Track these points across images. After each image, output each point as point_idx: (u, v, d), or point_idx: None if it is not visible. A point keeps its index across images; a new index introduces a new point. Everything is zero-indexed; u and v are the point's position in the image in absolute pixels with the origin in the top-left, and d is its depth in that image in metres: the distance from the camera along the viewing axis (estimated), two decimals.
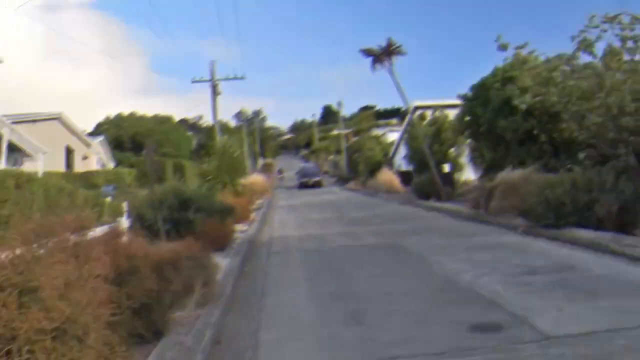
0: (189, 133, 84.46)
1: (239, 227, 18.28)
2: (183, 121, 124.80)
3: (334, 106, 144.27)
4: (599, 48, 17.05)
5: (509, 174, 17.15)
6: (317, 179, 57.19)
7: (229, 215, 14.31)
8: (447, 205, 22.54)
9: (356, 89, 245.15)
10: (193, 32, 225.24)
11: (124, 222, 11.30)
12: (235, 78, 38.64)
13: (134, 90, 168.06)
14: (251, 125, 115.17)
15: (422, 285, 8.45)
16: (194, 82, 37.15)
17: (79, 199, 14.50)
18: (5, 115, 28.65)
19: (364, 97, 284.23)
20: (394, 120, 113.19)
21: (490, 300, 7.15)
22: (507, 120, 22.13)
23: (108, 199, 18.65)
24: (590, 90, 17.07)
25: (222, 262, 10.96)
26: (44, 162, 29.04)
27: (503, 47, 23.82)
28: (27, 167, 27.74)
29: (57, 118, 34.57)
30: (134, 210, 12.41)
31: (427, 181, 27.62)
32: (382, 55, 25.33)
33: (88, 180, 28.64)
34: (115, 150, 52.59)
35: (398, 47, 25.27)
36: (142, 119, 67.59)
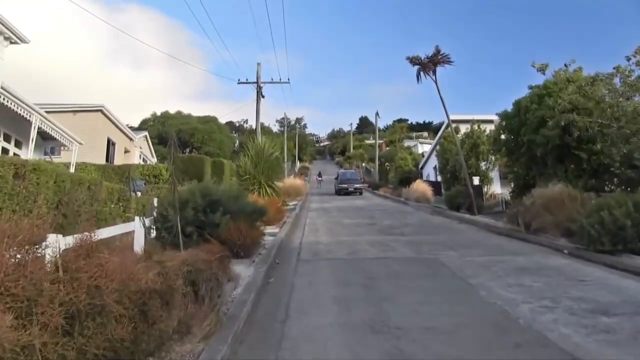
0: (233, 134, 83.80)
1: (270, 229, 16.71)
2: (230, 123, 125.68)
3: (370, 117, 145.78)
4: None
5: (552, 190, 15.22)
6: (357, 185, 50.39)
7: (259, 219, 12.58)
8: (480, 218, 20.62)
9: (390, 103, 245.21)
10: (248, 43, 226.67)
11: (144, 223, 9.63)
12: (280, 82, 37.12)
13: (190, 93, 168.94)
14: (292, 130, 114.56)
15: (473, 320, 6.51)
16: (239, 83, 35.71)
17: (102, 193, 12.93)
18: (42, 104, 27.39)
19: (397, 111, 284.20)
20: (425, 134, 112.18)
21: (569, 353, 5.29)
22: (543, 135, 20.44)
23: (138, 194, 17.13)
24: None
25: (245, 272, 9.27)
26: (80, 153, 27.80)
27: (541, 70, 22.25)
28: (63, 157, 26.59)
29: (98, 110, 33.12)
30: (158, 209, 10.79)
31: (459, 192, 25.65)
32: (429, 63, 23.41)
33: (124, 173, 27.27)
34: (159, 146, 51.53)
35: (445, 55, 23.29)
36: (187, 117, 66.43)
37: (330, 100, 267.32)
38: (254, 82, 34.49)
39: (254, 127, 44.74)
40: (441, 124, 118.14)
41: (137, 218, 9.52)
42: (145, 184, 18.34)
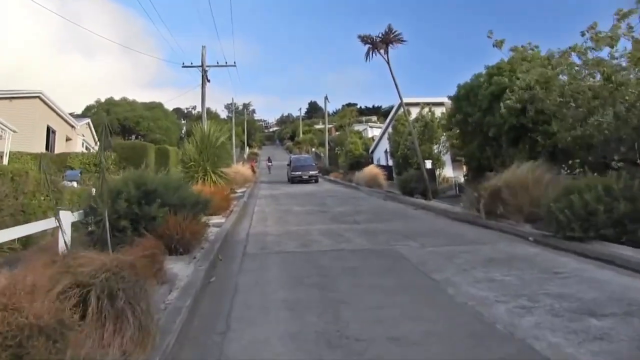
0: (180, 121, 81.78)
1: (216, 219, 15.65)
2: (177, 110, 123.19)
3: (319, 102, 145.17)
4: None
5: (514, 172, 14.49)
6: (312, 173, 44.43)
7: (203, 210, 11.46)
8: (435, 204, 19.89)
9: (340, 89, 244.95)
10: (197, 31, 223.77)
11: (70, 217, 8.44)
12: (225, 65, 35.74)
13: (143, 81, 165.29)
14: (240, 116, 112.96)
15: (444, 326, 5.59)
16: (184, 66, 34.25)
17: (28, 185, 11.64)
18: None
19: (346, 97, 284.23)
20: (374, 118, 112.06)
21: None
22: (495, 117, 19.88)
23: (73, 185, 15.82)
24: (604, 88, 14.72)
25: (184, 270, 8.19)
26: (17, 141, 26.28)
27: (498, 45, 21.60)
28: None
29: (36, 96, 31.36)
30: (87, 201, 9.58)
31: (412, 177, 24.90)
32: (381, 42, 22.46)
33: (63, 162, 25.81)
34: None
35: (397, 34, 22.36)
36: (132, 104, 64.23)
37: (280, 87, 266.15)
38: (199, 66, 33.10)
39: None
40: (390, 108, 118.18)
41: (61, 213, 8.33)
42: (81, 173, 16.95)
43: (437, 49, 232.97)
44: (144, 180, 9.67)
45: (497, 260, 9.22)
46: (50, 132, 33.98)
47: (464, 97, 22.78)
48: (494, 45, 21.69)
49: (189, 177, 21.85)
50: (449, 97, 24.18)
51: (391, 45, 22.48)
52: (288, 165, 49.20)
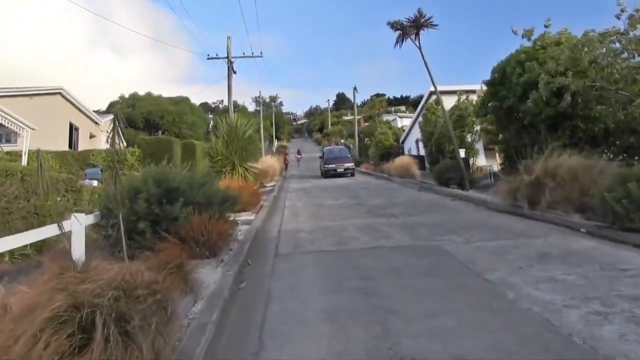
0: (208, 115, 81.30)
1: (245, 216, 15.01)
2: (205, 105, 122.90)
3: (347, 94, 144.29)
4: None
5: (559, 160, 13.58)
6: (348, 165, 39.69)
7: (231, 208, 10.73)
8: (473, 194, 18.99)
9: (367, 80, 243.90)
10: (228, 25, 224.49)
11: (85, 220, 7.76)
12: (252, 56, 35.03)
13: (175, 79, 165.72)
14: (268, 109, 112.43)
15: (512, 339, 4.79)
16: (209, 58, 33.64)
17: (42, 185, 11.02)
18: None
19: (373, 87, 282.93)
20: (402, 108, 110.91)
21: None
22: (534, 101, 18.92)
23: (93, 184, 15.24)
24: None
25: (211, 276, 7.51)
26: (39, 139, 25.75)
27: (527, 36, 20.60)
28: (20, 145, 24.68)
29: (57, 92, 30.96)
30: (104, 202, 8.90)
31: (448, 166, 23.94)
32: (411, 28, 21.53)
33: (85, 160, 25.32)
34: (127, 129, 49.28)
35: (428, 19, 21.40)
36: (157, 99, 63.72)
37: (307, 79, 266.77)
38: (225, 57, 32.43)
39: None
40: (419, 98, 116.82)
41: (73, 216, 7.67)
42: (102, 170, 16.31)
43: (468, 34, 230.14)
44: (166, 177, 8.99)
45: (552, 255, 8.37)
46: (73, 129, 33.64)
47: (499, 81, 21.78)
48: (523, 37, 20.76)
49: (216, 172, 21.23)
50: (484, 82, 23.13)
51: (422, 30, 21.53)
52: (320, 157, 44.84)
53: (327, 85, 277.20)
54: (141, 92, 63.73)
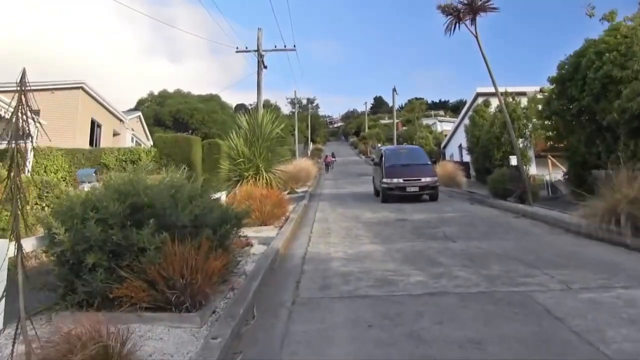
0: (238, 113, 78.80)
1: (265, 232, 12.30)
2: (241, 106, 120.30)
3: (384, 97, 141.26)
4: None
5: None
6: (427, 180, 22.06)
7: (231, 232, 7.75)
8: (541, 211, 15.77)
9: (404, 83, 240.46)
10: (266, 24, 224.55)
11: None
12: (285, 49, 32.18)
13: (227, 84, 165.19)
14: (304, 111, 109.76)
15: None
16: (238, 51, 30.91)
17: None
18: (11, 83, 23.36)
19: (410, 91, 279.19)
20: (441, 112, 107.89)
21: None
22: (612, 103, 15.98)
23: (85, 187, 12.50)
24: None
25: (182, 350, 4.70)
26: (58, 136, 23.51)
27: (608, 18, 17.60)
28: (40, 141, 22.34)
29: (79, 87, 28.71)
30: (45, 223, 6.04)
31: (506, 176, 20.67)
32: (466, 11, 18.39)
33: (97, 158, 22.78)
34: (155, 127, 46.89)
35: (487, 0, 18.24)
36: (186, 96, 61.21)
37: (343, 83, 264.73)
38: (255, 50, 29.66)
39: (269, 108, 39.73)
40: (459, 102, 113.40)
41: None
42: (96, 172, 13.58)
43: (516, 32, 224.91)
44: (134, 187, 6.12)
45: None
46: (95, 125, 31.43)
47: (569, 77, 18.69)
48: (600, 20, 17.70)
49: (237, 176, 18.43)
50: (549, 79, 20.01)
51: (479, 14, 18.35)
52: (376, 163, 26.01)
53: (363, 89, 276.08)
54: (170, 89, 61.76)
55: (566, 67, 19.00)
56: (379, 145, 78.31)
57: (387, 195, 21.66)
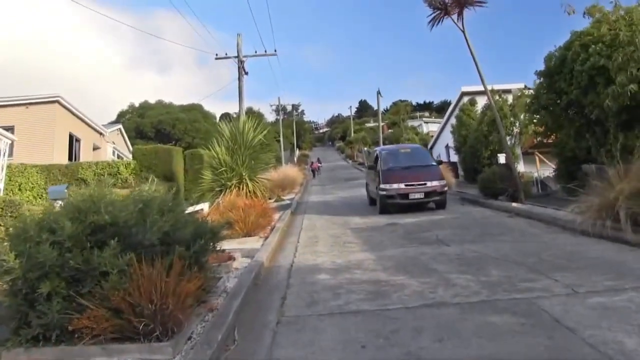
0: (220, 122, 77.83)
1: (250, 243, 11.75)
2: (226, 115, 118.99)
3: (369, 101, 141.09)
4: None
5: None
6: (435, 185, 18.36)
7: (209, 245, 7.15)
8: (535, 209, 15.25)
9: (388, 86, 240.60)
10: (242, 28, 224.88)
11: None
12: (265, 54, 31.58)
13: (219, 95, 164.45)
14: (289, 118, 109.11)
15: None
16: (217, 58, 30.27)
17: None
18: None
19: (394, 94, 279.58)
20: (426, 114, 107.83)
21: None
22: (599, 96, 15.59)
23: (57, 206, 11.85)
24: None
25: None
26: (34, 152, 23.10)
27: (590, 13, 17.19)
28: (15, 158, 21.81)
29: (54, 101, 27.93)
30: None
31: (497, 175, 20.13)
32: (453, 5, 17.85)
33: (74, 173, 22.05)
34: (137, 139, 46.08)
35: None
36: (168, 107, 60.35)
37: (328, 88, 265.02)
38: (235, 57, 29.03)
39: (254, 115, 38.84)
40: (444, 103, 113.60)
41: None
42: (68, 188, 12.95)
43: (502, 31, 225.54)
44: (95, 204, 5.51)
45: None
46: (73, 140, 30.62)
47: (557, 70, 18.21)
48: (584, 15, 17.24)
49: (220, 186, 17.80)
50: (537, 73, 19.50)
51: (467, 8, 17.84)
52: (370, 168, 22.07)
53: (348, 93, 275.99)
54: (151, 100, 60.89)
55: (554, 60, 18.53)
56: (365, 148, 77.90)
57: (385, 204, 18.24)
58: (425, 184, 18.12)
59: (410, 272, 8.31)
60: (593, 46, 16.17)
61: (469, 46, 18.20)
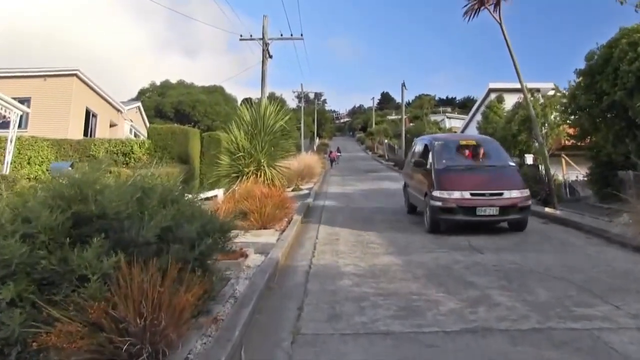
0: (241, 106, 76.82)
1: (265, 237, 10.87)
2: (248, 100, 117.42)
3: (391, 93, 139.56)
4: None
5: None
6: (515, 197, 12.24)
7: (218, 244, 6.14)
8: (570, 216, 14.19)
9: (410, 80, 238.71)
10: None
11: None
12: (291, 38, 30.56)
13: (244, 81, 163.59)
14: (311, 106, 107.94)
15: None
16: (242, 39, 29.18)
17: None
18: (7, 69, 22.61)
19: (417, 88, 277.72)
20: (448, 109, 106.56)
21: None
22: None
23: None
24: None
25: None
26: (50, 125, 22.43)
27: None
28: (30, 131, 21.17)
29: (73, 74, 27.09)
30: None
31: (528, 177, 18.90)
32: None
33: (86, 150, 21.14)
34: (155, 119, 45.22)
35: None
36: (189, 87, 59.38)
37: (352, 79, 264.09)
38: (260, 39, 27.96)
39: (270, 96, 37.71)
40: (466, 99, 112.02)
41: None
42: (72, 165, 11.99)
43: (530, 28, 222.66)
44: (81, 189, 4.55)
45: None
46: (90, 115, 29.76)
47: (599, 70, 17.09)
48: (636, 8, 16.07)
49: (237, 172, 16.84)
50: (576, 71, 18.40)
51: None
52: (418, 164, 14.68)
53: (370, 85, 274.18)
54: (173, 80, 59.84)
55: (595, 58, 17.42)
56: (386, 140, 76.58)
57: (438, 220, 12.47)
58: (501, 194, 12.24)
59: (443, 284, 7.32)
60: None
61: (505, 39, 17.13)
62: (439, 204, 12.12)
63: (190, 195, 6.03)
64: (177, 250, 4.84)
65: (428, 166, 13.54)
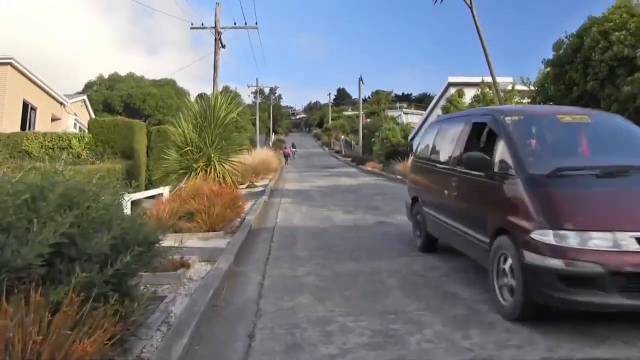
0: (192, 99, 74.72)
1: (213, 241, 9.73)
2: (203, 95, 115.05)
3: (347, 89, 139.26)
4: None
5: None
6: None
7: (147, 256, 4.81)
8: None
9: (366, 76, 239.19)
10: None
11: None
12: (245, 27, 28.85)
13: (197, 74, 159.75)
14: (267, 101, 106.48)
15: None
16: (192, 28, 27.49)
17: None
18: None
19: (373, 84, 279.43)
20: (404, 105, 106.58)
21: None
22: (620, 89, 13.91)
23: None
24: None
25: None
26: None
27: None
28: None
29: (7, 63, 24.89)
30: None
31: None
32: None
33: (16, 145, 19.35)
34: (104, 113, 43.13)
35: None
36: (139, 80, 57.11)
37: (306, 74, 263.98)
38: (212, 27, 26.43)
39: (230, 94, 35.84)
40: (423, 95, 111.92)
41: None
42: None
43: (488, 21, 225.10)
44: None
45: None
46: (29, 108, 27.70)
47: (568, 60, 16.33)
48: None
49: (185, 168, 15.48)
50: (544, 62, 17.65)
51: None
52: (468, 163, 6.46)
53: (325, 81, 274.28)
54: (122, 72, 57.27)
55: (564, 47, 16.64)
56: (342, 137, 75.80)
57: (545, 302, 5.09)
58: None
59: (421, 296, 6.14)
60: (616, 34, 14.44)
61: (476, 24, 16.33)
62: (556, 263, 4.88)
63: (108, 195, 4.65)
64: (82, 271, 3.52)
65: (498, 169, 6.13)
